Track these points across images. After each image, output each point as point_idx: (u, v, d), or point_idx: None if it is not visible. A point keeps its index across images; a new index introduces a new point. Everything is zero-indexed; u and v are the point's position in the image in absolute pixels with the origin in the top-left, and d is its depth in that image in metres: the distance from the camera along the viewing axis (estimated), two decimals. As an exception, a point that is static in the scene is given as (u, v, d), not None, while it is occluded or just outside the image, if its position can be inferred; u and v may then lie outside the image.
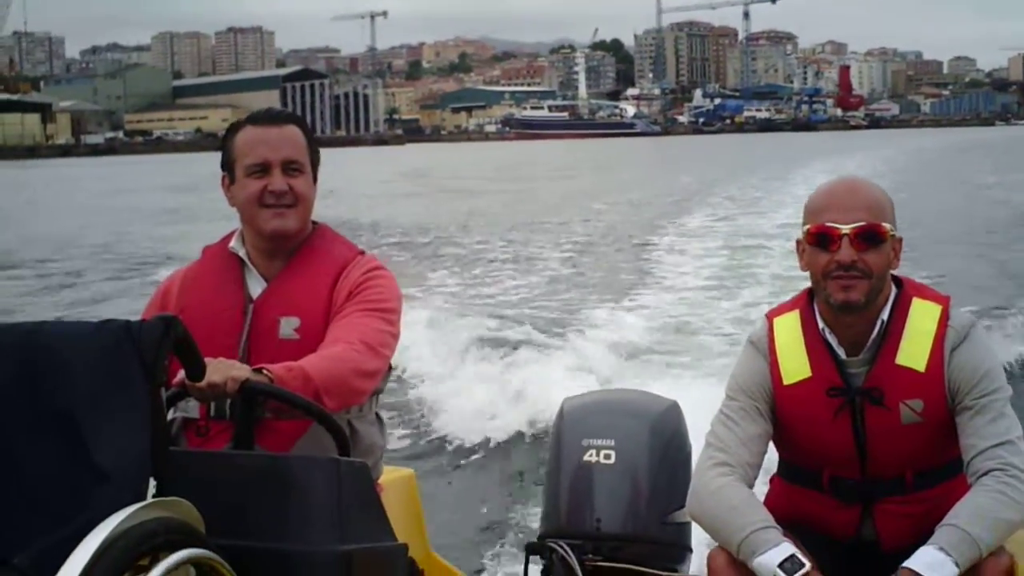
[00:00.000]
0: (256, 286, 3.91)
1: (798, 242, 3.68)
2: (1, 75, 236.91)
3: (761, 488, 3.73)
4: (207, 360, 3.08)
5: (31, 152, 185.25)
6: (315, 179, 4.00)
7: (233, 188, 3.95)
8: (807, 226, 3.61)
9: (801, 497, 3.77)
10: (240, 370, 3.34)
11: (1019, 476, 3.38)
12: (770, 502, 3.75)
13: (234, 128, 4.01)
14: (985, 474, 3.40)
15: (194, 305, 3.86)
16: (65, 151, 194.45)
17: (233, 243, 4.00)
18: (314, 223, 4.05)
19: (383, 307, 3.82)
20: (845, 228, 3.51)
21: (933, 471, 3.65)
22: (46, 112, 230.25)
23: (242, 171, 3.90)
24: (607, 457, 3.66)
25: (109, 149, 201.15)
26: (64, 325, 2.89)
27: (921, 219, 26.70)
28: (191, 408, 3.61)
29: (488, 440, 9.95)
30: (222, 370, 3.29)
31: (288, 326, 3.79)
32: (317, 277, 3.88)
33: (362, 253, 4.03)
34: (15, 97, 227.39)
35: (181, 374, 3.13)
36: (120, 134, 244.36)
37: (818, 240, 3.56)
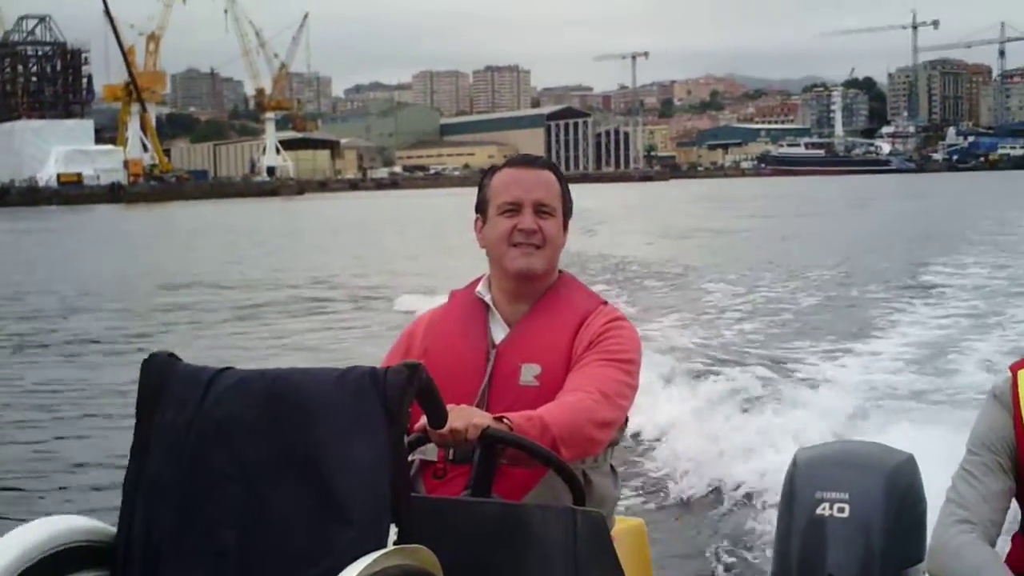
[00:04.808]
0: (499, 331, 3.96)
1: None
2: (292, 115, 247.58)
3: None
4: (448, 407, 3.11)
5: (322, 186, 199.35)
6: (566, 227, 4.04)
7: (485, 228, 4.02)
8: None
9: (1045, 556, 3.64)
10: (481, 417, 3.38)
11: None
12: (1012, 560, 3.64)
13: (491, 171, 4.10)
14: None
15: (438, 348, 3.94)
16: (353, 185, 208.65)
17: (479, 288, 4.07)
18: (559, 271, 4.09)
19: (623, 358, 3.83)
20: None
21: None
22: (334, 149, 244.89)
23: (495, 210, 3.97)
24: (841, 511, 3.57)
25: (392, 183, 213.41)
26: (310, 371, 2.95)
27: None
28: (429, 451, 3.65)
29: (718, 491, 9.82)
30: (464, 417, 3.32)
31: (529, 372, 3.82)
32: (559, 325, 3.91)
33: (604, 303, 4.05)
34: (300, 135, 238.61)
35: (423, 420, 3.19)
36: (397, 169, 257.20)
37: None
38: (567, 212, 4.05)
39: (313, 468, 2.77)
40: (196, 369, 3.03)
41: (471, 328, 3.99)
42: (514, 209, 3.93)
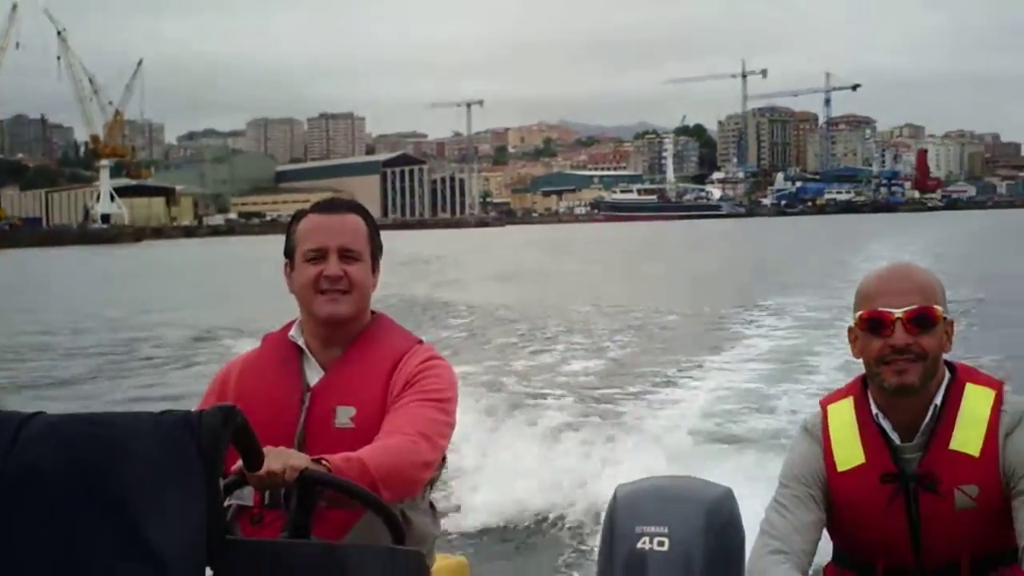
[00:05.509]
0: (314, 375, 3.94)
1: (850, 329, 3.68)
2: (125, 162, 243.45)
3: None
4: (265, 449, 3.07)
5: (158, 233, 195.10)
6: (375, 269, 4.04)
7: (293, 274, 4.01)
8: (859, 312, 3.60)
9: (856, 586, 3.73)
10: (299, 459, 3.34)
11: None
12: (825, 592, 3.74)
13: (297, 216, 4.08)
14: None
15: (252, 392, 3.91)
16: (189, 232, 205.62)
17: (292, 331, 4.04)
18: (373, 312, 4.09)
19: (440, 397, 3.84)
20: (898, 312, 3.51)
21: (990, 558, 3.58)
22: (170, 196, 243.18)
23: (301, 257, 3.96)
24: (660, 544, 3.60)
25: (229, 230, 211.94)
26: (123, 416, 2.86)
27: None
28: (245, 496, 3.60)
29: (540, 526, 9.89)
30: (281, 459, 3.29)
31: (344, 415, 3.81)
32: (374, 366, 3.91)
33: (420, 342, 4.07)
34: (135, 182, 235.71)
35: (239, 463, 3.14)
36: (233, 216, 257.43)
37: (871, 326, 3.56)
38: (376, 254, 4.05)
39: (126, 513, 2.70)
40: (4, 415, 2.93)
41: (285, 372, 3.97)
42: (319, 256, 3.93)
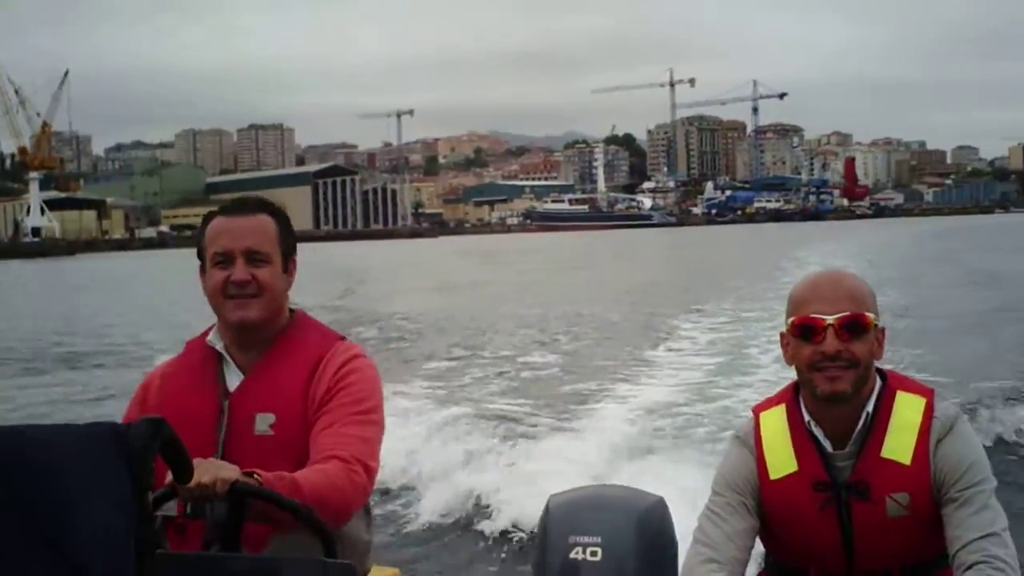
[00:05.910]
0: (234, 379, 3.89)
1: (782, 335, 3.69)
2: (55, 174, 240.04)
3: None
4: (195, 460, 3.04)
5: (90, 246, 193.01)
6: (288, 268, 3.97)
7: (205, 278, 3.93)
8: (791, 319, 3.61)
9: (788, 594, 3.73)
10: (230, 471, 3.30)
11: (1004, 569, 3.32)
12: (758, 598, 3.74)
13: (207, 218, 3.99)
14: (970, 567, 3.34)
15: (172, 400, 3.85)
16: (121, 245, 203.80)
17: (211, 336, 3.98)
18: (292, 311, 4.03)
19: (366, 408, 3.80)
20: (829, 319, 3.51)
21: (921, 565, 3.61)
22: (102, 209, 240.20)
23: (209, 261, 3.89)
24: (593, 554, 3.59)
25: (161, 243, 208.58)
26: (50, 428, 2.83)
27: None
28: (170, 506, 3.51)
29: (474, 537, 9.86)
30: (211, 471, 3.25)
31: (264, 422, 3.77)
32: (293, 370, 3.85)
33: (342, 339, 4.01)
34: (64, 195, 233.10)
35: (170, 476, 3.09)
36: (166, 228, 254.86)
37: (802, 332, 3.56)
38: (288, 253, 3.97)
39: (54, 528, 2.67)
40: None
41: (204, 379, 3.91)
42: (226, 260, 3.86)
